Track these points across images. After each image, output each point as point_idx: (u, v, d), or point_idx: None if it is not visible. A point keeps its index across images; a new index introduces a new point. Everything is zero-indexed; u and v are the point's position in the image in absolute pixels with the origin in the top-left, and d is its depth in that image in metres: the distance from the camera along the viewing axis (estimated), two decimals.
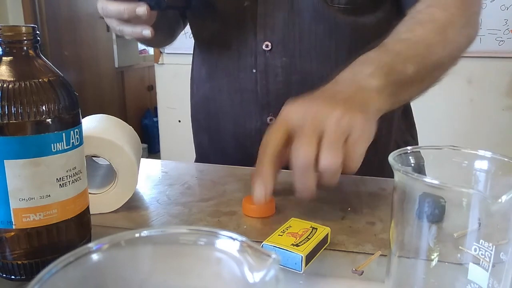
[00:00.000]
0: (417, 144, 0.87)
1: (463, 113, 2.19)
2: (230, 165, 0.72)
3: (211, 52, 0.77)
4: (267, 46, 0.69)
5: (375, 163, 0.76)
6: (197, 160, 0.87)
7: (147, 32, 0.61)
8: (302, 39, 0.69)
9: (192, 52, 0.85)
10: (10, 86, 0.35)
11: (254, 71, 0.71)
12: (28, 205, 0.36)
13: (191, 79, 0.85)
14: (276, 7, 0.68)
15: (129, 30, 0.63)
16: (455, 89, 2.18)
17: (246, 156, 0.73)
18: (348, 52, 0.69)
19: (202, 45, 0.80)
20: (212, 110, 0.78)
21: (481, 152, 0.33)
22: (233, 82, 0.73)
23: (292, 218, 0.46)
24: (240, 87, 0.72)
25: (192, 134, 0.87)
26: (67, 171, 0.37)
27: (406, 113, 0.83)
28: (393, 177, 0.33)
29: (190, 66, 0.86)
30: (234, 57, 0.72)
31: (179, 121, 2.44)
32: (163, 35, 0.87)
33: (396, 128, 0.79)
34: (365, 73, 0.51)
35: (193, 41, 0.83)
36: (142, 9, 0.58)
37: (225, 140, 0.78)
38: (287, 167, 0.69)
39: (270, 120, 0.72)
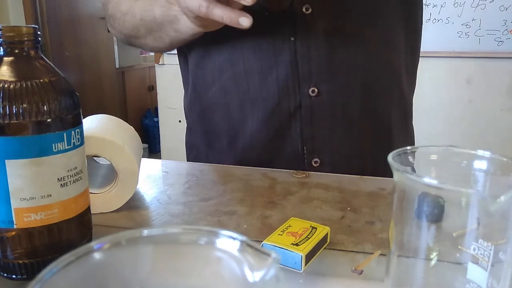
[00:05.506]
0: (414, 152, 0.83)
1: (462, 113, 2.20)
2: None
3: (232, 34, 0.63)
4: (306, 9, 0.63)
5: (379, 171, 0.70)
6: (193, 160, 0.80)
7: (246, 21, 0.50)
8: None
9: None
10: (12, 86, 0.35)
11: (293, 39, 0.64)
12: (29, 205, 0.36)
13: (192, 77, 0.75)
14: None
15: (219, 13, 0.51)
16: (454, 90, 2.19)
17: (277, 144, 0.68)
18: (396, 5, 0.66)
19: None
20: (234, 101, 0.69)
21: (480, 152, 0.33)
22: (267, 58, 0.65)
23: (292, 218, 0.46)
24: (276, 61, 0.65)
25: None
26: (68, 171, 0.38)
27: (405, 122, 0.78)
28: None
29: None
30: (268, 29, 0.64)
31: (179, 121, 2.45)
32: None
33: (396, 138, 0.75)
34: None
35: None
36: None
37: (249, 131, 0.70)
38: (285, 166, 0.69)
39: (312, 91, 0.66)
